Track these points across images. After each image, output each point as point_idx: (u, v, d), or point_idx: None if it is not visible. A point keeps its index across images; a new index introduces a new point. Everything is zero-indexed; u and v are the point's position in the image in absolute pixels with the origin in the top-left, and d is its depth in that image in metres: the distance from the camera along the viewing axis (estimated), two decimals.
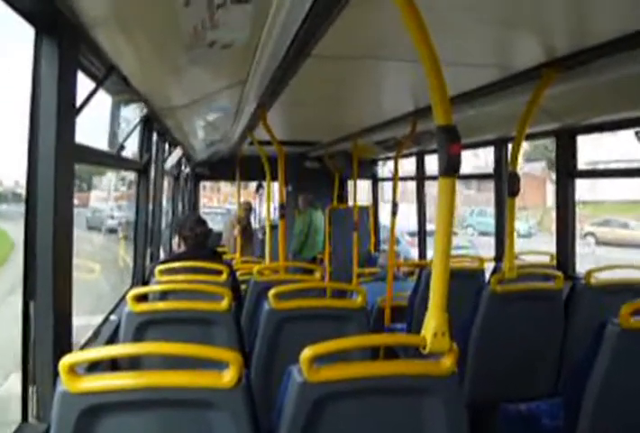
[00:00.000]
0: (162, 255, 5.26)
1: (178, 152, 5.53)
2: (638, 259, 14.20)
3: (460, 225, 22.21)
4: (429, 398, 1.51)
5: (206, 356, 1.42)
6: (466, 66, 2.55)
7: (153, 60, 2.42)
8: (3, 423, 1.99)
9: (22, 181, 1.79)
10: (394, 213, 4.46)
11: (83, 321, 3.01)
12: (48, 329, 1.78)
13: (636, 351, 2.02)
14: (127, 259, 5.19)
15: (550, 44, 2.31)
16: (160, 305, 2.64)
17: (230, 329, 2.50)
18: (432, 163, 5.95)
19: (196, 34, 1.92)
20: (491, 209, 4.76)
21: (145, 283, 3.93)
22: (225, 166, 7.71)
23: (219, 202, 26.42)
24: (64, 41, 1.76)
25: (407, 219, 9.20)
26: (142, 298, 2.65)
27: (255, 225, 8.65)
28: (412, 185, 6.37)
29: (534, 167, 23.21)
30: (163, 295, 2.80)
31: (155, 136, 4.21)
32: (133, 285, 3.96)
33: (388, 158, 7.13)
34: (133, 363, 2.29)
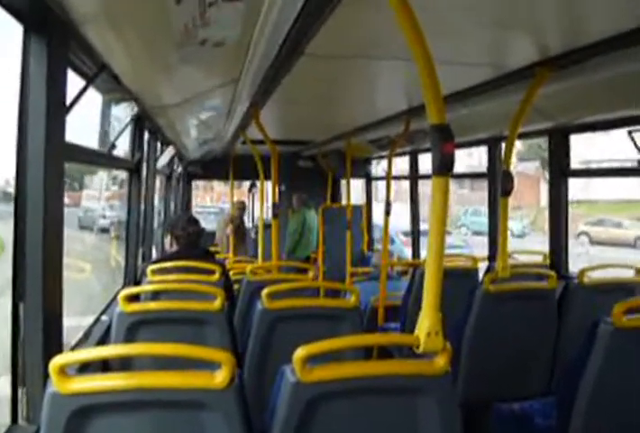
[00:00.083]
0: (155, 255, 5.24)
1: (170, 151, 5.52)
2: (631, 258, 14.26)
3: (453, 225, 22.25)
4: (423, 397, 1.50)
5: (199, 357, 1.41)
6: (459, 65, 2.54)
7: (144, 58, 2.40)
8: None
9: (13, 180, 1.77)
10: (387, 212, 4.46)
11: (73, 322, 2.99)
12: (38, 330, 1.77)
13: (629, 350, 2.02)
14: (119, 259, 5.16)
15: (543, 43, 2.30)
16: (152, 305, 2.62)
17: (222, 329, 2.49)
18: (425, 162, 5.96)
19: (188, 32, 1.90)
20: (485, 209, 4.76)
21: (137, 283, 3.91)
22: (218, 165, 7.69)
23: (212, 201, 26.38)
24: (54, 39, 1.74)
25: (401, 219, 9.21)
26: (134, 298, 2.63)
27: (248, 224, 8.63)
28: (406, 184, 6.38)
29: (527, 166, 23.28)
30: (155, 295, 2.78)
31: (147, 135, 4.19)
32: (125, 285, 3.94)
33: (382, 157, 7.13)
34: (125, 364, 2.28)
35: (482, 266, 4.27)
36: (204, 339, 2.42)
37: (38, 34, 1.71)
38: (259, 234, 4.93)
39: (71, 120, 1.96)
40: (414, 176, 6.15)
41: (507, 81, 2.75)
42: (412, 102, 3.71)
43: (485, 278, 2.83)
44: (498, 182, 4.28)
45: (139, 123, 3.83)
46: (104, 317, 3.11)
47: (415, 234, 6.23)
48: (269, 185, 5.59)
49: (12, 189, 1.79)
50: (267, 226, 4.88)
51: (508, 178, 2.76)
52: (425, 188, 5.14)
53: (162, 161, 5.39)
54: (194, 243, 3.46)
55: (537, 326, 2.86)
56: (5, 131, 1.90)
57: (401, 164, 7.27)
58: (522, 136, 3.67)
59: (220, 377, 1.36)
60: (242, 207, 7.82)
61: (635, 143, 3.27)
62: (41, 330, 1.77)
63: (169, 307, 2.49)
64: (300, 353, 1.43)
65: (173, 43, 2.07)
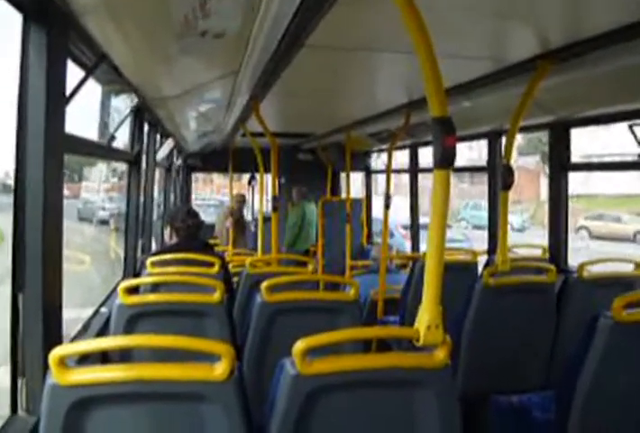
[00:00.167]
0: (154, 247, 5.24)
1: (169, 143, 5.51)
2: (631, 252, 14.29)
3: (453, 219, 22.25)
4: (422, 390, 1.51)
5: (198, 349, 1.41)
6: (461, 58, 2.53)
7: (144, 49, 2.39)
8: None
9: (12, 172, 1.77)
10: (387, 205, 4.46)
11: (73, 314, 2.99)
12: (37, 322, 1.77)
13: (629, 344, 2.02)
14: (118, 251, 5.16)
15: (545, 36, 2.29)
16: (152, 297, 2.62)
17: (222, 322, 2.49)
18: (426, 155, 5.95)
19: (188, 23, 1.89)
20: (485, 203, 4.76)
21: (136, 275, 3.91)
22: (218, 158, 7.68)
23: (212, 192, 26.36)
24: (53, 29, 1.73)
25: (400, 212, 9.20)
26: (134, 290, 2.63)
27: (248, 217, 8.64)
28: (405, 178, 6.36)
29: (528, 160, 23.25)
30: (155, 287, 2.78)
31: (146, 127, 4.18)
32: (125, 277, 3.94)
33: (382, 150, 7.11)
34: (124, 356, 2.28)
35: (482, 260, 4.28)
36: (203, 331, 2.42)
37: (38, 24, 1.70)
38: (258, 226, 4.92)
39: (71, 111, 1.95)
40: (414, 169, 6.14)
41: (508, 74, 2.74)
42: (412, 95, 3.69)
43: (485, 271, 2.83)
44: (499, 176, 4.28)
45: (138, 114, 3.81)
46: (103, 309, 3.11)
47: (414, 227, 6.23)
48: (268, 178, 5.59)
49: (11, 182, 1.78)
50: (266, 219, 4.88)
51: (509, 172, 2.75)
52: (425, 181, 5.14)
53: (162, 153, 5.38)
54: (193, 235, 3.46)
55: (536, 319, 2.86)
56: (5, 122, 1.90)
57: (401, 158, 7.26)
58: (522, 130, 3.65)
59: (220, 369, 1.36)
60: (241, 200, 7.82)
61: (635, 137, 3.26)
62: (41, 321, 1.77)
63: (169, 299, 2.49)
64: (300, 345, 1.43)
65: (173, 34, 2.06)
